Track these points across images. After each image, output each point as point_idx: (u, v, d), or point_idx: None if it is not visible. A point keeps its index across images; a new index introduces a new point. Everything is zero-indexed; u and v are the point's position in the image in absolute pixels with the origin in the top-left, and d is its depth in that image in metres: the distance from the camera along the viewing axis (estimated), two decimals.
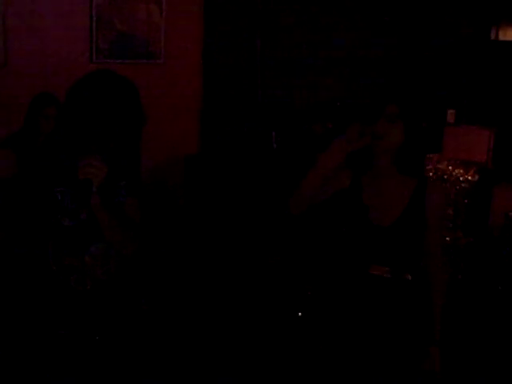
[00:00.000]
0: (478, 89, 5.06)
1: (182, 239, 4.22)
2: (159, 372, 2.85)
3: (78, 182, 1.83)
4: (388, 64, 5.18)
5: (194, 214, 4.48)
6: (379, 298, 2.07)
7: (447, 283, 2.18)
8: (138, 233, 2.04)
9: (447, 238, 4.08)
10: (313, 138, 4.51)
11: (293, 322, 3.33)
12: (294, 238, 3.82)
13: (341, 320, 2.15)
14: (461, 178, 4.16)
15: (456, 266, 4.05)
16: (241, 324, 3.35)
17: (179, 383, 2.86)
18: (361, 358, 2.05)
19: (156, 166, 4.48)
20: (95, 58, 4.09)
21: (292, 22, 4.83)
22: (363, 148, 2.03)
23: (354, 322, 2.11)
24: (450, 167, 4.21)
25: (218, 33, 4.59)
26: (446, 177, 4.19)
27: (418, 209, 2.08)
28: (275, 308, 3.46)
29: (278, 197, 4.25)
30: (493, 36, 5.17)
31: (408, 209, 2.08)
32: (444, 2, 5.16)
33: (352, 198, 2.13)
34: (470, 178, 4.15)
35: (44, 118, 3.19)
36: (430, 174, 4.23)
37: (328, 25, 4.96)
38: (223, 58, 4.64)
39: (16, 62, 3.84)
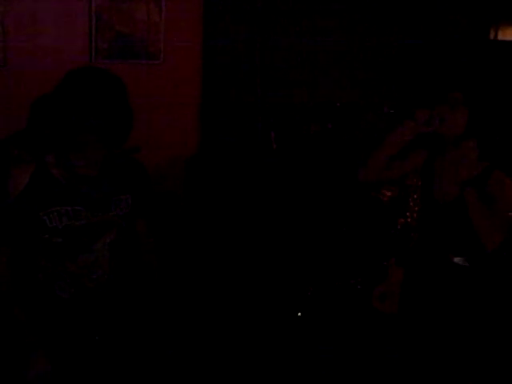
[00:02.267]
0: (477, 89, 5.05)
1: (182, 240, 4.22)
2: (159, 372, 2.84)
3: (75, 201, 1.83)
4: (388, 64, 5.18)
5: (194, 215, 4.48)
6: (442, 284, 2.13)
7: None
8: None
9: None
10: (312, 139, 4.51)
11: (292, 322, 3.32)
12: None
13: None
14: None
15: None
16: (241, 324, 3.35)
17: (179, 383, 2.86)
18: (364, 358, 2.05)
19: (155, 166, 4.48)
20: (94, 59, 4.08)
21: (292, 22, 4.82)
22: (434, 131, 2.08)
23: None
24: None
25: (217, 33, 4.59)
26: None
27: (479, 191, 2.09)
28: (275, 308, 3.46)
29: (276, 196, 4.25)
30: (492, 36, 5.18)
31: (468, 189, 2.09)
32: (443, 2, 5.16)
33: (423, 177, 2.20)
34: None
35: None
36: None
37: (328, 25, 4.95)
38: (223, 59, 4.64)
39: (15, 62, 3.84)
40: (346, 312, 2.09)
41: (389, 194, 3.73)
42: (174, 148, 4.55)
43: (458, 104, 2.09)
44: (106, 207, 1.93)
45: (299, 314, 3.32)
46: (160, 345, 2.21)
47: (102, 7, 4.06)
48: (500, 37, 5.17)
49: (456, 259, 2.11)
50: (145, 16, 4.26)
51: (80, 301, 1.96)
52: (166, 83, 4.44)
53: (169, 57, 4.42)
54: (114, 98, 1.87)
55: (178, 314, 3.39)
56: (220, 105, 4.70)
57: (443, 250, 2.13)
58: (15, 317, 1.87)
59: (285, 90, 4.87)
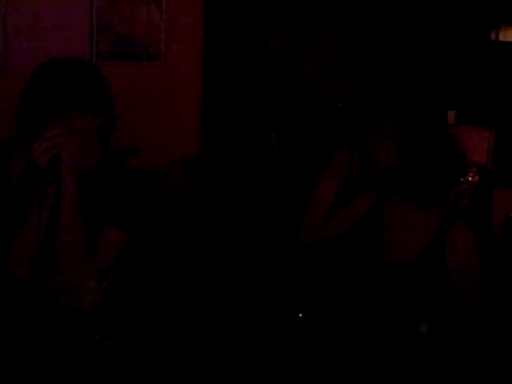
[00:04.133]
0: (478, 90, 5.06)
1: (182, 240, 4.22)
2: (158, 372, 2.85)
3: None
4: (388, 65, 5.18)
5: (194, 215, 4.48)
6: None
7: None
8: (97, 270, 1.68)
9: None
10: (313, 140, 4.51)
11: (293, 323, 3.32)
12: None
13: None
14: (461, 179, 4.16)
15: None
16: (241, 325, 3.35)
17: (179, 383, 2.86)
18: (361, 363, 2.03)
19: (156, 166, 4.48)
20: (95, 60, 4.09)
21: (293, 23, 4.83)
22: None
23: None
24: None
25: (218, 34, 4.59)
26: None
27: (439, 251, 1.81)
28: (275, 309, 3.46)
29: (277, 197, 4.25)
30: (493, 37, 5.18)
31: (427, 249, 1.82)
32: (444, 3, 5.16)
33: (370, 229, 1.90)
34: (470, 178, 4.15)
35: None
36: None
37: (328, 25, 4.96)
38: (223, 59, 4.64)
39: (17, 63, 3.84)
40: (347, 312, 2.08)
41: None
42: (174, 148, 4.55)
43: (388, 136, 1.81)
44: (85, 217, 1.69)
45: (300, 314, 3.32)
46: (160, 345, 2.20)
47: (103, 9, 4.07)
48: (501, 38, 5.17)
49: (422, 328, 1.84)
50: (145, 17, 4.26)
51: (52, 325, 1.73)
52: (166, 84, 4.44)
53: (169, 58, 4.42)
54: (79, 68, 1.79)
55: (178, 315, 3.39)
56: (221, 106, 4.70)
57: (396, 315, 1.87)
58: None
59: (286, 91, 4.88)
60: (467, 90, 5.06)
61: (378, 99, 5.10)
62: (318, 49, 4.95)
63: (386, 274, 1.86)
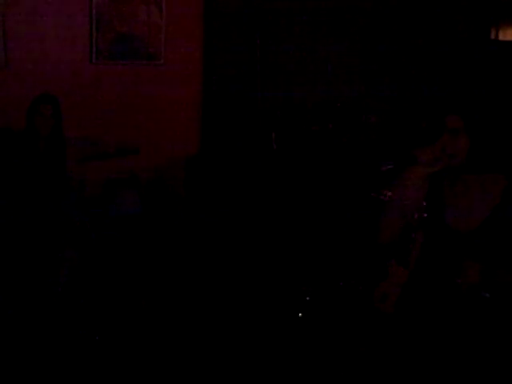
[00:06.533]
0: (478, 88, 5.05)
1: (183, 240, 4.22)
2: (158, 372, 2.85)
3: None
4: (388, 64, 5.18)
5: (194, 215, 4.48)
6: (453, 312, 1.98)
7: None
8: None
9: None
10: (312, 139, 4.51)
11: (293, 322, 3.32)
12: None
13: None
14: None
15: None
16: (241, 325, 3.35)
17: (179, 383, 2.86)
18: (362, 359, 2.03)
19: (156, 166, 4.48)
20: (95, 59, 4.09)
21: (292, 23, 4.83)
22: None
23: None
24: None
25: (218, 34, 4.59)
26: None
27: (507, 214, 1.90)
28: (275, 308, 3.46)
29: (277, 197, 4.25)
30: (492, 36, 5.18)
31: (494, 213, 1.91)
32: (444, 2, 5.17)
33: (431, 199, 2.01)
34: None
35: (39, 115, 3.19)
36: None
37: (328, 25, 4.96)
38: (223, 59, 4.64)
39: (16, 63, 3.84)
40: (347, 312, 2.08)
41: (389, 194, 3.71)
42: (174, 148, 4.55)
43: (458, 131, 1.93)
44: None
45: (300, 314, 3.32)
46: (158, 343, 2.19)
47: (103, 8, 4.07)
48: (501, 37, 5.17)
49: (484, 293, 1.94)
50: (145, 17, 4.26)
51: None
52: (166, 83, 4.44)
53: (169, 57, 4.43)
54: None
55: (178, 315, 3.39)
56: (220, 105, 4.70)
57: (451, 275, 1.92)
58: None
59: (285, 91, 4.87)
60: (466, 89, 5.06)
61: (377, 99, 5.10)
62: (317, 49, 4.95)
63: (452, 242, 1.94)
